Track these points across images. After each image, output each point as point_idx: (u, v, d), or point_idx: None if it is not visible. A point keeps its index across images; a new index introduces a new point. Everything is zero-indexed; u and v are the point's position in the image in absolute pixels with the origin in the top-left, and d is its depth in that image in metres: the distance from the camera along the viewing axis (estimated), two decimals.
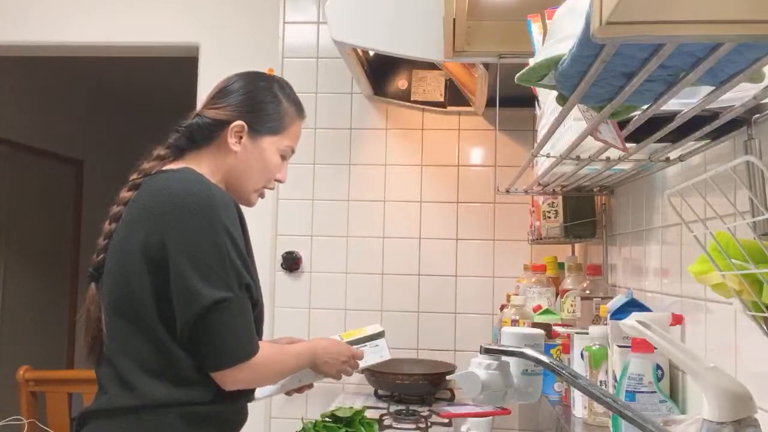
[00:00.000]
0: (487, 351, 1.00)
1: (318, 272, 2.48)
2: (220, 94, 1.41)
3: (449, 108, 2.48)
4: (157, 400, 1.22)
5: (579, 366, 1.47)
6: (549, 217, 1.94)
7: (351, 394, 2.31)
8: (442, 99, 2.48)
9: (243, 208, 1.37)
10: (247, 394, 1.36)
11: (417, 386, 2.12)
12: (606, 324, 1.39)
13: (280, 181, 1.45)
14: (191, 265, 1.19)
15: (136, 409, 1.22)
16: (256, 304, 1.29)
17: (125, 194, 1.33)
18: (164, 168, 1.34)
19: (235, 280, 1.22)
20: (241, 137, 1.37)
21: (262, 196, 1.46)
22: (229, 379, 1.24)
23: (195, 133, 1.37)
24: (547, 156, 1.25)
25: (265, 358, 1.27)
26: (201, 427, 1.26)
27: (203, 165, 1.36)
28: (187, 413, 1.24)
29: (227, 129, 1.36)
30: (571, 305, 1.78)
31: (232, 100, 1.39)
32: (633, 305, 1.32)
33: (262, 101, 1.39)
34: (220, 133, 1.37)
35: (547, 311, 1.89)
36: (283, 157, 1.43)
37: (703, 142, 1.10)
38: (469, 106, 2.41)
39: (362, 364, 1.61)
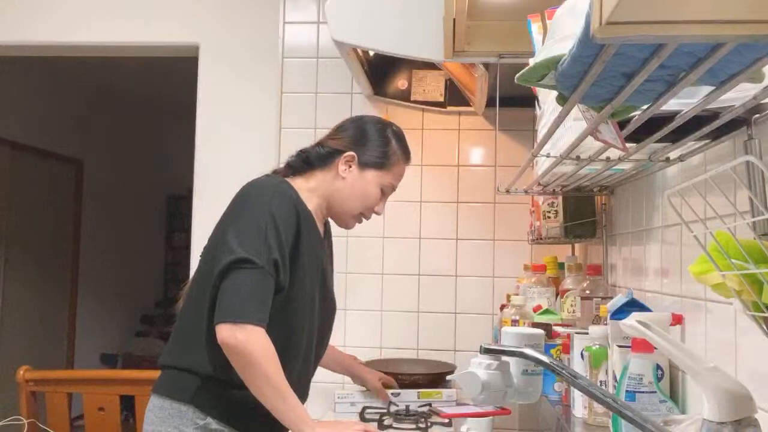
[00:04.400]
0: (487, 351, 1.00)
1: None
2: (340, 128, 1.61)
3: (449, 108, 2.48)
4: (188, 365, 1.40)
5: (579, 366, 1.47)
6: (549, 217, 1.94)
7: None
8: (442, 99, 2.47)
9: None
10: None
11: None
12: (606, 324, 1.39)
13: (377, 213, 1.61)
14: (233, 230, 1.37)
15: (171, 368, 1.44)
16: (282, 289, 1.38)
17: None
18: None
19: (265, 251, 1.34)
20: (350, 166, 1.55)
21: (359, 222, 1.62)
22: (226, 333, 1.30)
23: (311, 157, 1.57)
24: (547, 156, 1.25)
25: (265, 347, 1.32)
26: (216, 403, 1.39)
27: (311, 182, 1.55)
28: (207, 386, 1.39)
29: (340, 157, 1.55)
30: (571, 305, 1.78)
31: (348, 134, 1.59)
32: (633, 305, 1.32)
33: (373, 138, 1.57)
34: (334, 160, 1.56)
35: (547, 311, 1.89)
36: (383, 192, 1.59)
37: (703, 142, 1.10)
38: (469, 106, 2.41)
39: None
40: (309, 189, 1.53)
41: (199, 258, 1.49)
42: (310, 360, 1.54)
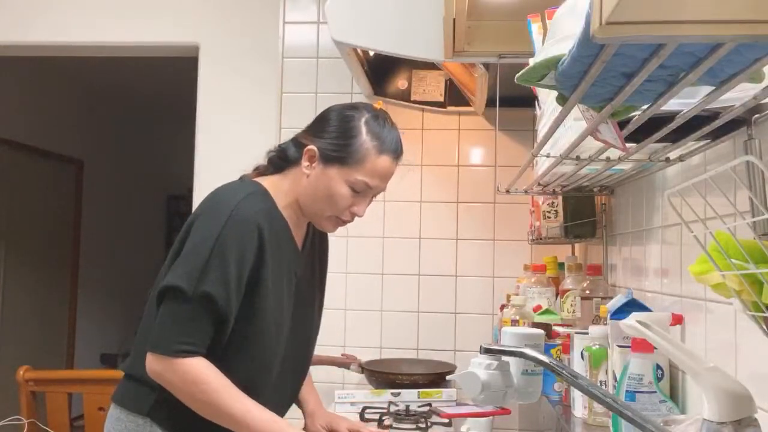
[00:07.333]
0: (487, 351, 1.01)
1: None
2: (315, 119, 1.44)
3: (449, 108, 2.48)
4: (147, 377, 1.29)
5: (579, 366, 1.47)
6: (549, 217, 1.94)
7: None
8: (442, 99, 2.48)
9: None
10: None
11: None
12: (606, 324, 1.39)
13: (356, 215, 1.41)
14: (185, 250, 1.28)
15: (131, 377, 1.36)
16: (226, 321, 1.27)
17: None
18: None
19: (197, 280, 1.24)
20: (312, 162, 1.37)
21: (340, 224, 1.42)
22: (147, 362, 1.26)
23: (286, 152, 1.42)
24: (547, 156, 1.25)
25: (195, 374, 1.23)
26: (174, 417, 1.30)
27: (285, 183, 1.40)
28: (165, 400, 1.29)
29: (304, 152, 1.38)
30: (571, 305, 1.78)
31: (314, 125, 1.42)
32: (633, 305, 1.32)
33: (337, 130, 1.37)
34: (302, 155, 1.38)
35: (547, 311, 1.89)
36: (356, 191, 1.37)
37: (703, 142, 1.10)
38: (469, 106, 2.41)
39: None
40: (284, 191, 1.38)
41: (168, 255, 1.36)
42: (285, 390, 1.44)
